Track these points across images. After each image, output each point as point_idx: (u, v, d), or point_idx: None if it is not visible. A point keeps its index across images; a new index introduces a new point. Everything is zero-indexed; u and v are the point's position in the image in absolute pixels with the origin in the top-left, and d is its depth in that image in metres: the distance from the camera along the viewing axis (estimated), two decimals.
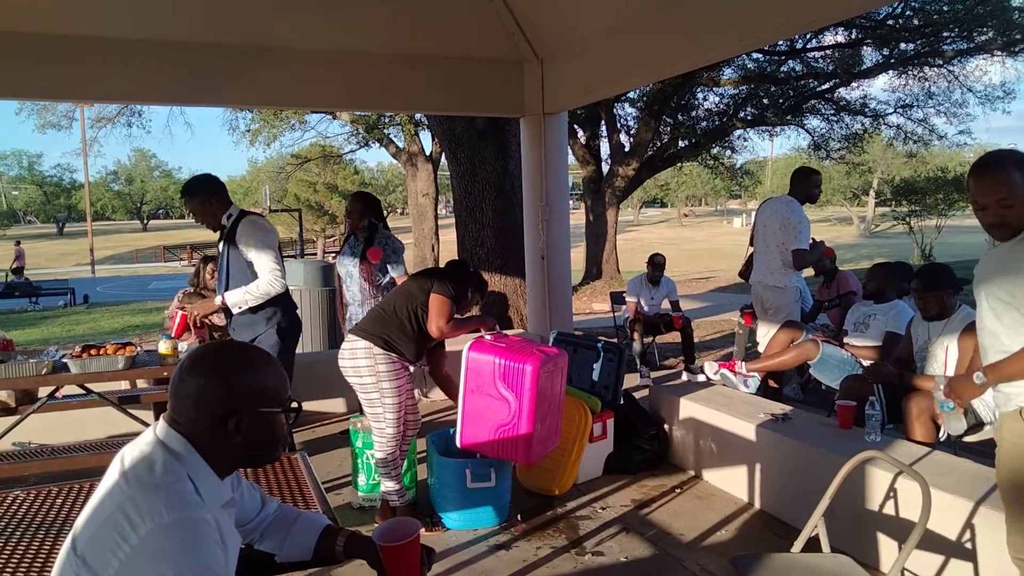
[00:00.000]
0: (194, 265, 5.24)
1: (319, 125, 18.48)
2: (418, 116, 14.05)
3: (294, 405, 1.39)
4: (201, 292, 4.81)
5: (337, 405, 5.39)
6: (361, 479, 3.64)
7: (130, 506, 1.17)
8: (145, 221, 66.67)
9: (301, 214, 26.78)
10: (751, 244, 5.21)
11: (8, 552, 1.88)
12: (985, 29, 12.96)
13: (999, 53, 13.47)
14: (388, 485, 3.36)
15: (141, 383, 4.63)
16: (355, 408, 4.79)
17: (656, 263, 6.74)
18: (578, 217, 17.75)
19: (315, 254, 38.81)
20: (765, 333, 4.95)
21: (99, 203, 62.50)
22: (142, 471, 1.24)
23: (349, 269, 4.45)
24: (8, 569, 1.80)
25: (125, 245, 47.45)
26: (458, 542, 3.23)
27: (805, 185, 4.81)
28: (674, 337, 6.91)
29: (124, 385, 4.58)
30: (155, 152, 74.04)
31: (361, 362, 3.25)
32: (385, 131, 16.47)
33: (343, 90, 5.25)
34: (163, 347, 3.94)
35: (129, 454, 1.29)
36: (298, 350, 6.67)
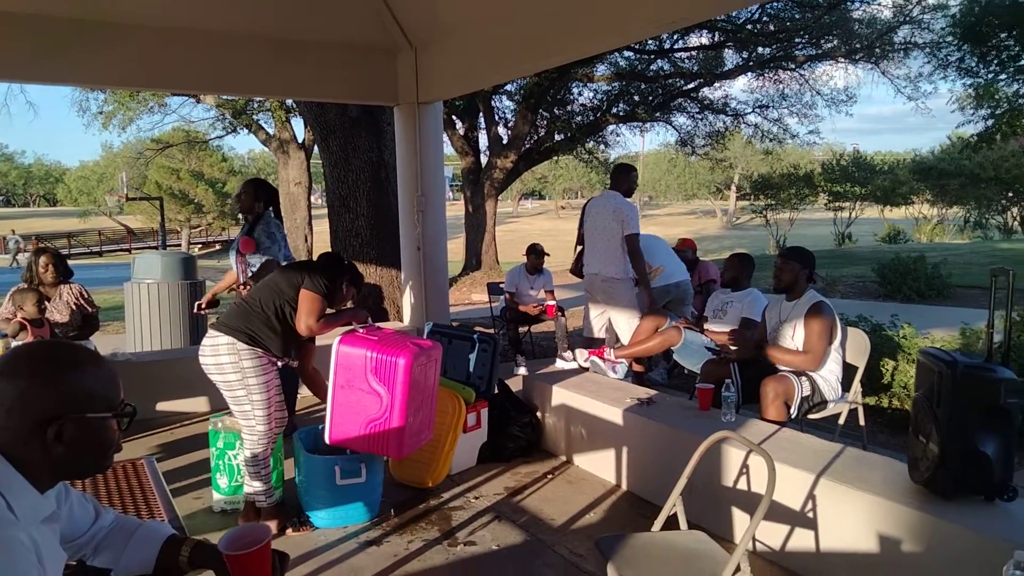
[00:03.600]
0: (28, 258, 4.75)
1: (181, 109, 17.40)
2: (289, 102, 13.53)
3: (128, 409, 1.28)
4: (37, 288, 4.39)
5: (199, 404, 5.11)
6: (223, 481, 3.46)
7: None
8: None
9: (163, 203, 25.12)
10: (579, 243, 5.36)
11: None
12: (831, 37, 14.06)
13: (843, 60, 14.66)
14: (255, 485, 3.21)
15: None
16: (218, 407, 4.56)
17: (536, 251, 6.79)
18: (458, 208, 17.73)
19: (179, 245, 36.63)
20: (599, 316, 5.19)
21: None
22: None
23: (232, 257, 4.30)
24: None
25: None
26: (327, 541, 3.14)
27: (627, 180, 5.14)
28: (549, 326, 7.04)
29: None
30: None
31: (224, 359, 3.09)
32: (254, 117, 15.74)
33: (203, 72, 4.94)
34: None
35: None
36: (156, 346, 6.36)
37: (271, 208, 4.43)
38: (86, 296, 4.56)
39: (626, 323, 5.07)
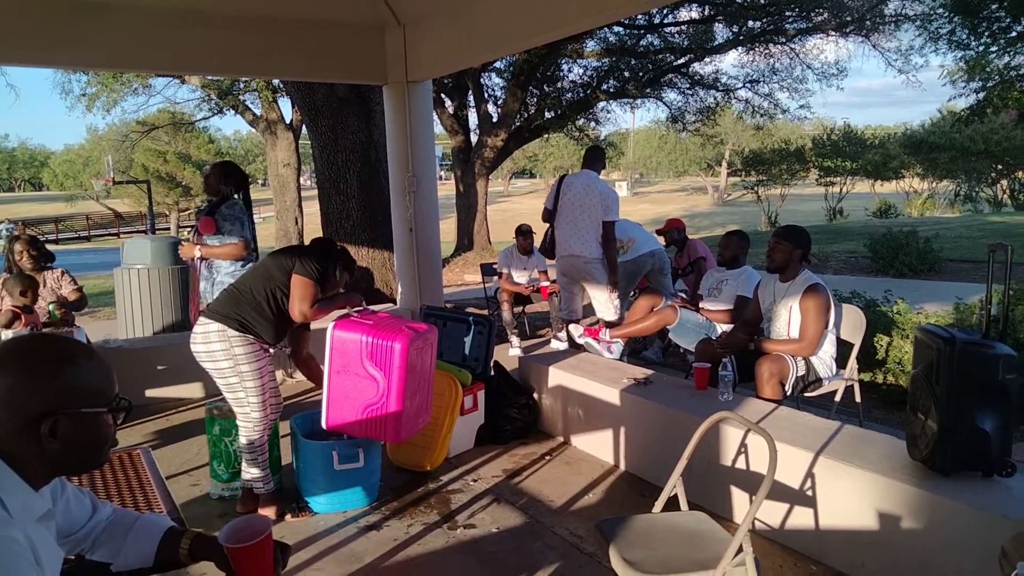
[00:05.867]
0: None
1: (166, 90, 17.21)
2: (276, 82, 13.35)
3: (123, 403, 1.25)
4: (21, 276, 4.33)
5: (194, 390, 5.07)
6: (220, 468, 3.44)
7: None
8: None
9: (150, 186, 24.85)
10: (546, 220, 5.20)
11: None
12: (821, 10, 13.95)
13: (833, 33, 14.56)
14: (253, 472, 3.19)
15: None
16: (213, 393, 4.53)
17: (523, 232, 6.73)
18: (448, 188, 17.62)
19: (168, 228, 36.33)
20: (579, 296, 5.23)
21: None
22: None
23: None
24: None
25: None
26: (326, 526, 3.13)
27: (603, 161, 5.27)
28: (543, 306, 7.02)
29: None
30: None
31: (215, 346, 3.05)
32: (240, 97, 15.53)
33: (187, 53, 4.84)
34: None
35: None
36: (147, 332, 6.31)
37: (239, 193, 4.21)
38: (69, 278, 4.51)
39: (606, 301, 5.04)
